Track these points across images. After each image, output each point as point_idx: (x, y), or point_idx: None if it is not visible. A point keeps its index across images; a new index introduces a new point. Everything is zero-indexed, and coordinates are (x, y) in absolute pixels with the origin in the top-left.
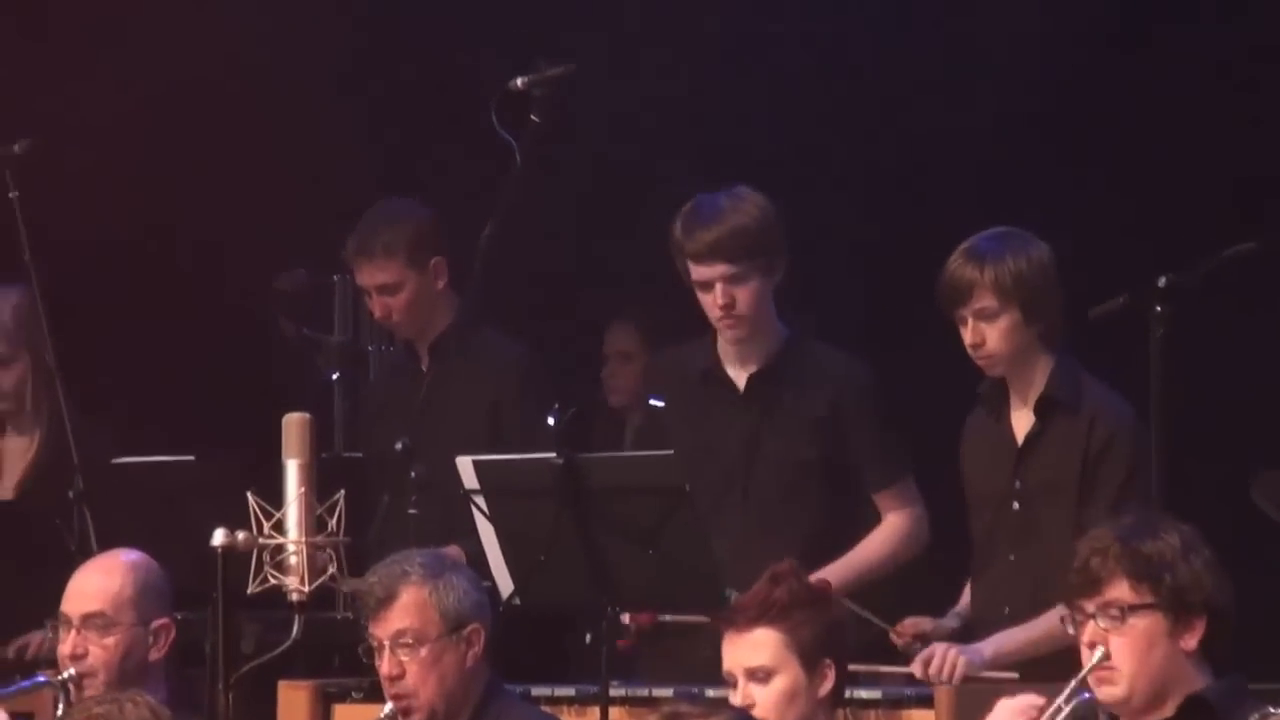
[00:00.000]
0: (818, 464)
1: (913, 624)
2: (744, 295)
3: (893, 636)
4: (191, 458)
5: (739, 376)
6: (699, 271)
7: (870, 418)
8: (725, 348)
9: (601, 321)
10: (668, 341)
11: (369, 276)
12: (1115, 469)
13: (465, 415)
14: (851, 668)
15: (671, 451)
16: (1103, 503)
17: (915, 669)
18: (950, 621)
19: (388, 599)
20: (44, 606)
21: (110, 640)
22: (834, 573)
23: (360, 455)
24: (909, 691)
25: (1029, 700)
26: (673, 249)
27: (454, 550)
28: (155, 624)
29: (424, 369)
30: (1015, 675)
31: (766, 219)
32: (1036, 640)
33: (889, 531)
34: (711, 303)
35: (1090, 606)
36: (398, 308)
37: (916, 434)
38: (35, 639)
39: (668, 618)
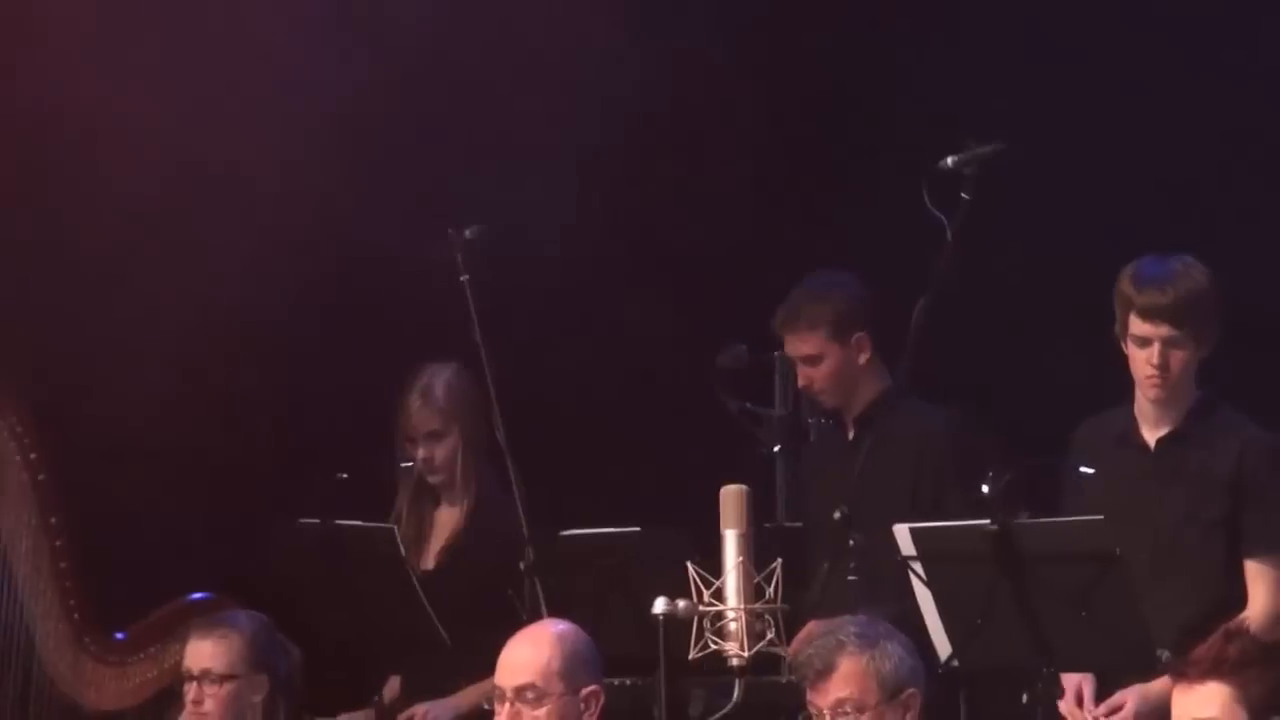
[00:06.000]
0: (1222, 524)
1: None
2: (1177, 360)
3: None
4: (637, 529)
5: (1150, 437)
6: (1142, 328)
7: (1268, 480)
8: (1142, 410)
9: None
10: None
11: (792, 347)
12: None
13: (893, 484)
14: None
15: (1102, 517)
16: None
17: None
18: None
19: (826, 670)
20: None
21: (541, 711)
22: None
23: (799, 525)
24: None
25: None
26: (1117, 300)
27: None
28: (585, 691)
29: (849, 439)
30: None
31: (1214, 291)
32: None
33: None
34: (1144, 359)
35: None
36: (819, 378)
37: None
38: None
39: None
